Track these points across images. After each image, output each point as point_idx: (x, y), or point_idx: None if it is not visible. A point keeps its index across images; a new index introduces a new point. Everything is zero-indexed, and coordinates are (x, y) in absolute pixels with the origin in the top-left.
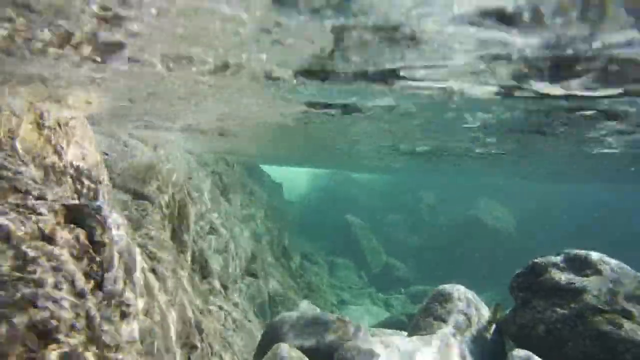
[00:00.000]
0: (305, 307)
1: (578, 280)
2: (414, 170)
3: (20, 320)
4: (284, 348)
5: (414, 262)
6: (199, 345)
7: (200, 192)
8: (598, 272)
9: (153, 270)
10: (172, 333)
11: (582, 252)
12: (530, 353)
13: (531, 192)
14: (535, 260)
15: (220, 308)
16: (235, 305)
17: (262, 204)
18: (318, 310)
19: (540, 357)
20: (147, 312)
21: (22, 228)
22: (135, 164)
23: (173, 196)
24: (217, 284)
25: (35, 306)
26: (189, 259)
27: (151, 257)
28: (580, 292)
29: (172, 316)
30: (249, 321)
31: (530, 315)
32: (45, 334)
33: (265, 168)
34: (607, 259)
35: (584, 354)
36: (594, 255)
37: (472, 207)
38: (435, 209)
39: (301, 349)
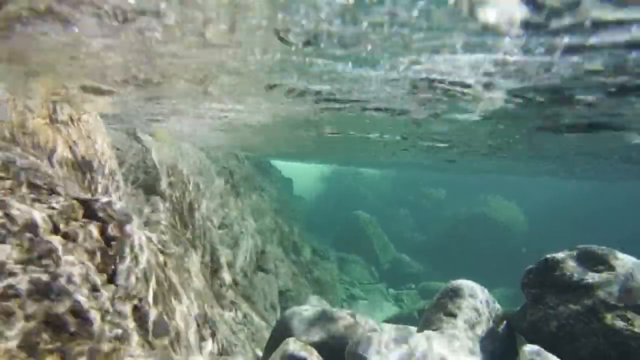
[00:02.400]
0: (315, 303)
1: (591, 276)
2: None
3: (35, 312)
4: (294, 343)
5: (424, 258)
6: (210, 339)
7: (210, 187)
8: (611, 268)
9: (164, 264)
10: (183, 326)
11: (595, 247)
12: (540, 348)
13: (542, 188)
14: (547, 256)
15: (231, 302)
16: (246, 299)
17: (272, 200)
18: (328, 305)
19: (551, 353)
20: (158, 305)
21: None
22: (147, 159)
23: (184, 191)
24: (227, 278)
25: (50, 299)
26: (200, 253)
27: (162, 251)
28: (593, 288)
29: (183, 310)
30: (260, 316)
31: (542, 311)
32: (59, 326)
33: (274, 163)
34: (620, 254)
35: (596, 350)
36: (607, 251)
37: (481, 203)
38: (444, 205)
39: (311, 343)
